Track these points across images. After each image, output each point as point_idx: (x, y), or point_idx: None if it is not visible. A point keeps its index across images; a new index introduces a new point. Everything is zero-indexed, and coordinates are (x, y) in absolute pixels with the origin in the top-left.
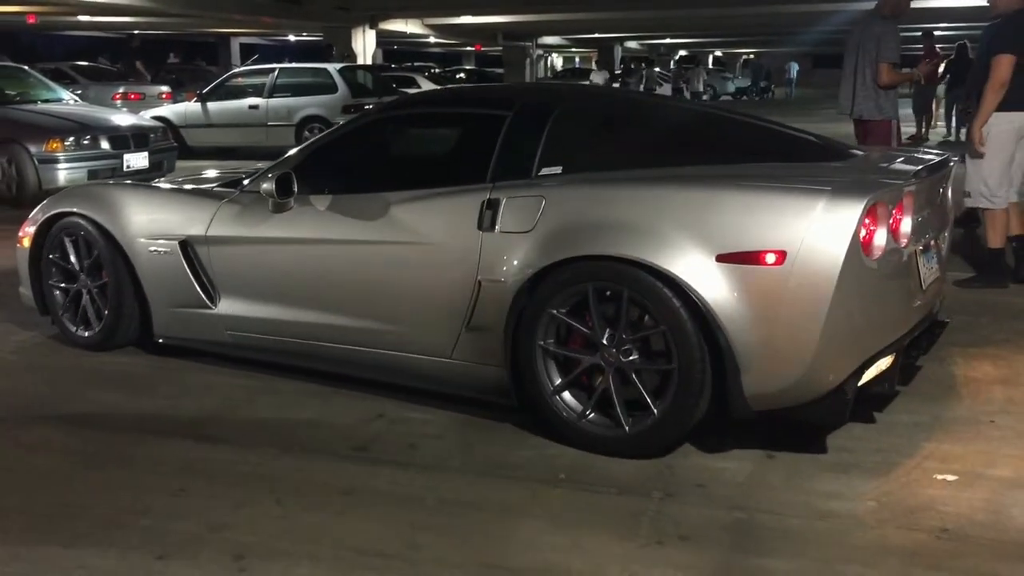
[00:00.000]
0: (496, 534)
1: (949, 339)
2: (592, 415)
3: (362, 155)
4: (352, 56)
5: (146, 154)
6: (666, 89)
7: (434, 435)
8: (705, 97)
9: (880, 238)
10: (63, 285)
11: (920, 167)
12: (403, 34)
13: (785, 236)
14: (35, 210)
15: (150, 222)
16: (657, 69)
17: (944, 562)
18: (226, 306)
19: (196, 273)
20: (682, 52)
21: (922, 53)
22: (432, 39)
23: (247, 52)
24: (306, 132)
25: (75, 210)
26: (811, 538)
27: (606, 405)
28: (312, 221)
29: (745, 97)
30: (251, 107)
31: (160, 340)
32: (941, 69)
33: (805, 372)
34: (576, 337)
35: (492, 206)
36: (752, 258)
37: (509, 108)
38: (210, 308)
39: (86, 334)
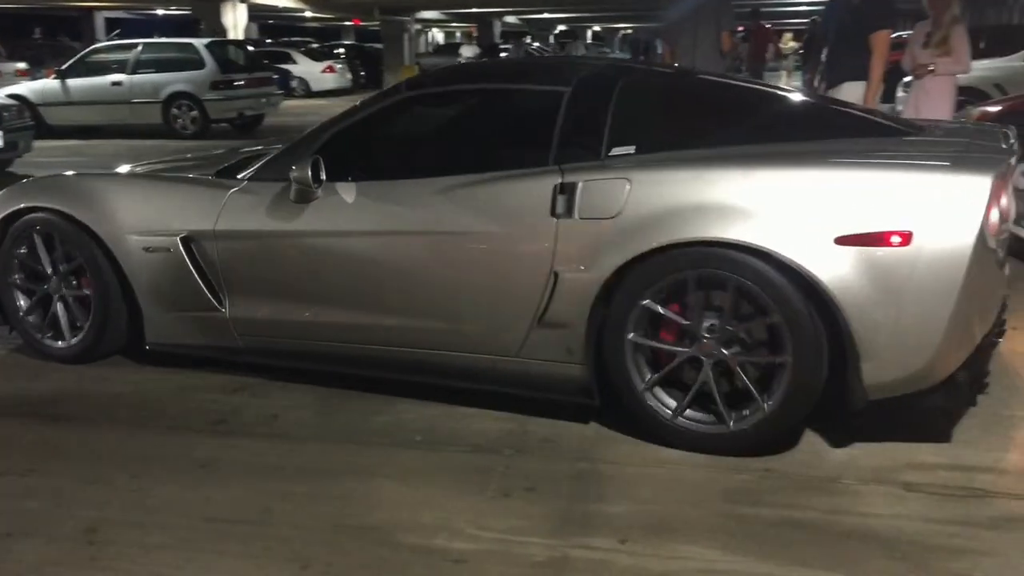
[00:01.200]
0: (350, 496)
1: None
2: (689, 412)
3: (399, 136)
4: (222, 31)
5: (1, 133)
6: None
7: (295, 406)
8: None
9: (995, 215)
10: (28, 287)
11: (1006, 140)
12: (276, 8)
13: (911, 216)
14: None
15: (142, 217)
16: (536, 44)
17: (764, 497)
18: (238, 308)
19: (202, 273)
20: (561, 27)
21: (749, 29)
22: (308, 13)
23: (114, 27)
24: (174, 109)
25: (47, 205)
26: (646, 483)
27: (706, 401)
28: (346, 210)
29: None
30: (114, 84)
31: (150, 348)
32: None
33: (930, 359)
34: (669, 329)
35: (567, 190)
36: (876, 240)
37: (566, 83)
38: (219, 311)
39: (60, 344)
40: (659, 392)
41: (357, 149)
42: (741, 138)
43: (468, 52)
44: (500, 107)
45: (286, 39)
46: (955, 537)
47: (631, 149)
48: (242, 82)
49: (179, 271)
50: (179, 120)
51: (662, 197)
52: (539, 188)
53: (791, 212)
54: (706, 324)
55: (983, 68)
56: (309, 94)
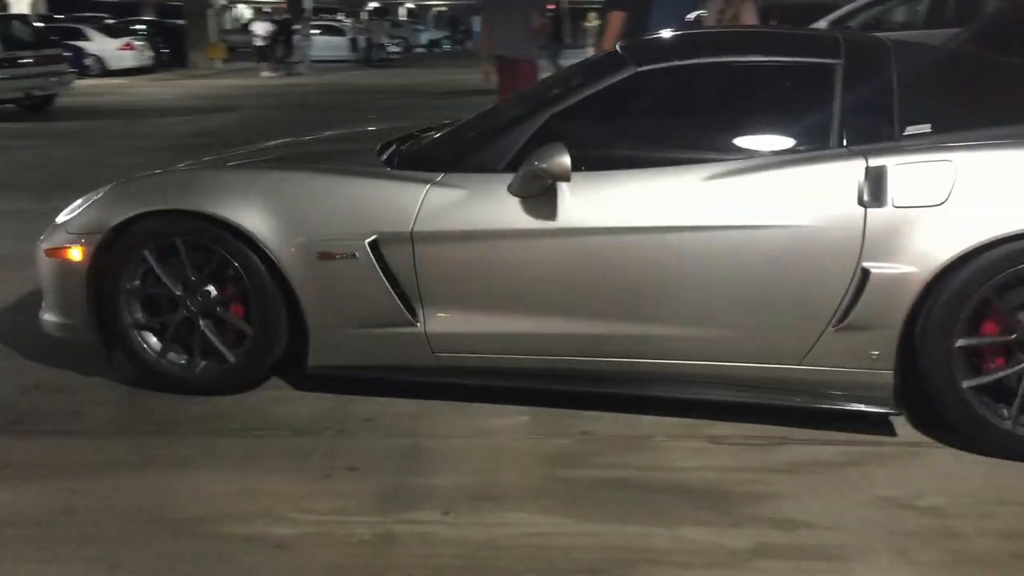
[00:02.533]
0: (166, 490)
1: None
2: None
3: (638, 119)
4: (4, 5)
5: None
6: (342, 41)
7: (99, 402)
8: (396, 48)
9: None
10: (155, 308)
11: None
12: None
13: None
14: (81, 207)
15: (317, 219)
16: (349, 20)
17: (583, 460)
18: (438, 322)
19: (393, 281)
20: (374, 3)
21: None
22: None
23: None
24: None
25: (190, 208)
26: (470, 454)
27: None
28: (591, 205)
29: (438, 49)
30: None
31: (311, 371)
32: None
33: None
34: (1003, 330)
35: (874, 175)
36: None
37: (835, 55)
38: (412, 326)
39: (196, 372)
40: (985, 398)
41: (585, 133)
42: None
43: (260, 29)
44: (755, 83)
45: (78, 14)
46: (757, 483)
47: (926, 128)
48: (29, 60)
49: (366, 280)
50: None
51: (998, 181)
52: (838, 173)
53: None
54: None
55: None
56: (106, 73)
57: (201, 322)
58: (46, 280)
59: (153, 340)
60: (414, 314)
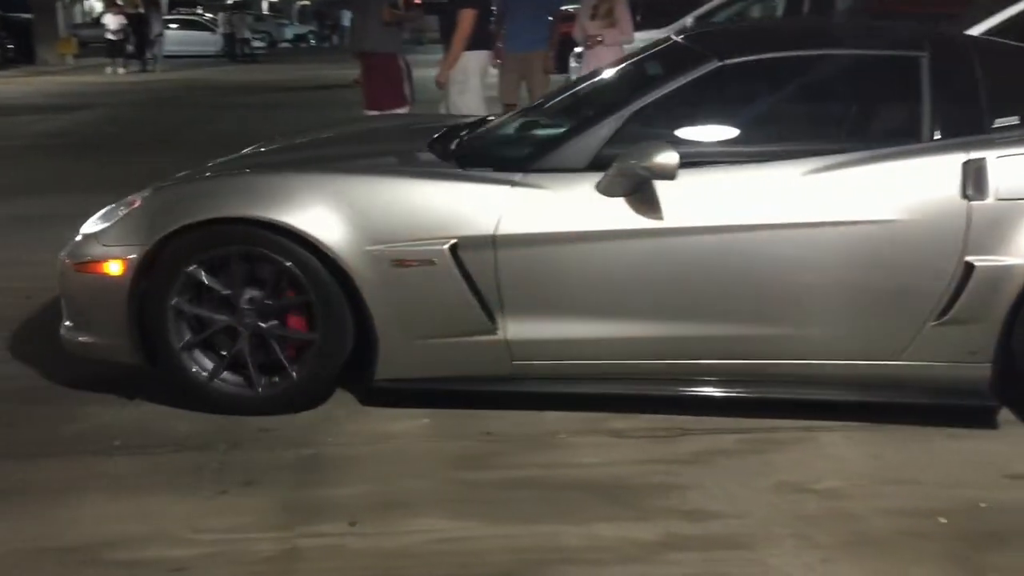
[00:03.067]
0: (49, 517)
1: None
2: None
3: (725, 113)
4: None
5: None
6: (208, 37)
7: None
8: (261, 43)
9: None
10: (211, 318)
11: None
12: None
13: None
14: (114, 217)
15: (390, 223)
16: (208, 15)
17: (487, 461)
18: (519, 328)
19: (472, 287)
20: None
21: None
22: None
23: None
24: None
25: (249, 214)
26: (373, 461)
27: None
28: (686, 203)
29: (304, 44)
30: None
31: (378, 385)
32: None
33: None
34: None
35: (975, 168)
36: None
37: (917, 47)
38: (492, 334)
39: (253, 392)
40: None
41: (671, 129)
42: None
43: (112, 23)
44: (843, 76)
45: None
46: (663, 475)
47: (1015, 120)
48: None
49: (445, 287)
50: None
51: None
52: (938, 167)
53: None
54: None
55: (644, 39)
56: None
57: (259, 337)
58: (76, 297)
59: (204, 359)
60: (493, 321)
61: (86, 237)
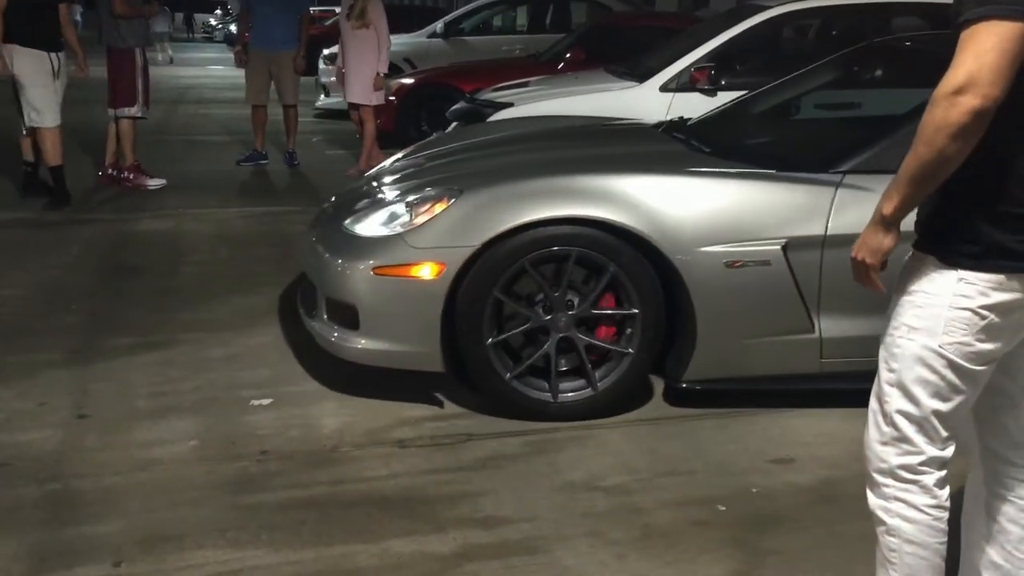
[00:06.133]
0: None
1: (251, 270)
2: None
3: None
4: None
5: None
6: None
7: None
8: None
9: None
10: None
11: None
12: None
13: None
14: (424, 219)
15: (724, 224)
16: None
17: (266, 482)
18: (831, 326)
19: (798, 288)
20: None
21: None
22: None
23: None
24: None
25: (592, 215)
26: (134, 492)
27: None
28: None
29: None
30: None
31: (687, 386)
32: None
33: None
34: None
35: None
36: None
37: None
38: (810, 332)
39: (566, 397)
40: None
41: None
42: None
43: None
44: None
45: None
46: (452, 484)
47: None
48: None
49: (776, 287)
50: None
51: None
52: None
53: None
54: None
55: (393, 43)
56: None
57: (575, 340)
58: (374, 302)
59: (509, 363)
60: (811, 320)
61: (387, 240)
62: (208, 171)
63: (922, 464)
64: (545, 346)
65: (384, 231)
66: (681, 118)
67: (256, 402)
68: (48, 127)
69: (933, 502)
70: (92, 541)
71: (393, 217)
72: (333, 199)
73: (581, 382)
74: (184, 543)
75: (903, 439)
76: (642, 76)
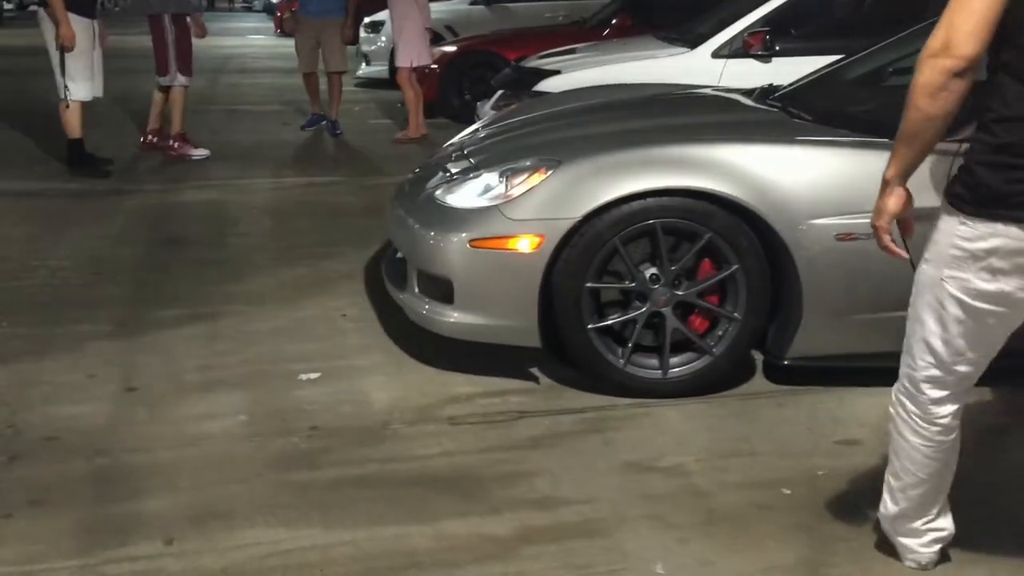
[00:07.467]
0: None
1: (297, 242)
2: None
3: None
4: None
5: None
6: None
7: None
8: (10, 5)
9: None
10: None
11: None
12: None
13: None
14: (520, 191)
15: (835, 195)
16: None
17: (316, 459)
18: None
19: (912, 261)
20: None
21: None
22: None
23: None
24: None
25: (701, 186)
26: (184, 467)
27: None
28: None
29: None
30: None
31: (790, 364)
32: None
33: None
34: None
35: None
36: None
37: None
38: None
39: (672, 372)
40: None
41: None
42: None
43: None
44: None
45: None
46: (506, 463)
47: None
48: None
49: (889, 261)
50: None
51: None
52: None
53: None
54: None
55: (434, 11)
56: None
57: (676, 314)
58: (470, 276)
59: (611, 343)
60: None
61: (482, 211)
62: (252, 141)
63: (924, 381)
64: (664, 318)
65: (479, 202)
66: (771, 85)
67: (304, 376)
68: (78, 100)
69: (927, 417)
70: (143, 518)
71: (487, 188)
72: (417, 169)
73: (689, 355)
74: (234, 521)
75: (908, 353)
76: (693, 42)
